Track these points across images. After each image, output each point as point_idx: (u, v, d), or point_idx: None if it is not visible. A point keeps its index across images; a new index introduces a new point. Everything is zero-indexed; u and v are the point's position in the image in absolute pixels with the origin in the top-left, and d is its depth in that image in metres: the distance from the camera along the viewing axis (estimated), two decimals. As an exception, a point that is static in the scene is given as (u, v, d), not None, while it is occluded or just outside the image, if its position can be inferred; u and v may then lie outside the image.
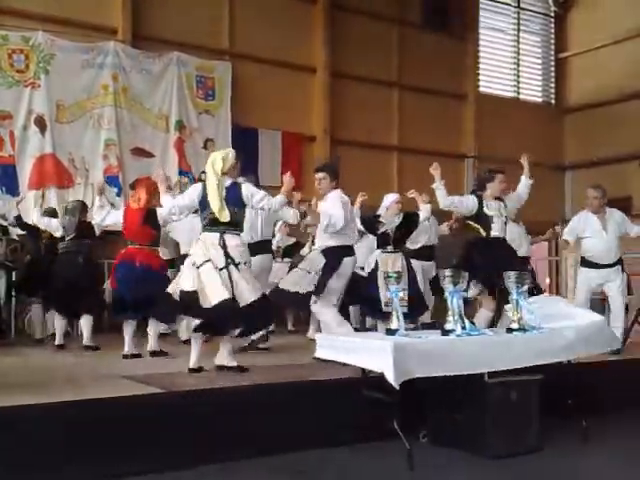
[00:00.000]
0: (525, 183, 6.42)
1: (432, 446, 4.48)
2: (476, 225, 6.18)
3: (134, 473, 3.76)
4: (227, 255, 4.95)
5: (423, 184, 6.60)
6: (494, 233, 6.10)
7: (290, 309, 8.98)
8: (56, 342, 6.91)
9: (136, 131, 10.23)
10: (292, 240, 9.42)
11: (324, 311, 5.90)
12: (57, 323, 7.03)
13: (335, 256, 5.86)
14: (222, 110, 10.92)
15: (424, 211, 7.20)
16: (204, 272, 4.89)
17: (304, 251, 8.32)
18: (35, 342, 7.48)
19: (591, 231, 6.88)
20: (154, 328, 6.16)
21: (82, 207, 7.23)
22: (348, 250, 5.98)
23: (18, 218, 7.69)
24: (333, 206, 5.80)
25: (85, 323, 6.87)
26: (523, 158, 6.49)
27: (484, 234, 6.12)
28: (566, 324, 4.69)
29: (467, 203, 6.19)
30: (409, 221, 7.11)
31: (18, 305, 8.09)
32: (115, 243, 7.35)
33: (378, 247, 7.14)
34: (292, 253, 9.15)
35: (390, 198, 7.18)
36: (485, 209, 6.12)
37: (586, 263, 6.88)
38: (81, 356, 6.39)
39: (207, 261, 4.92)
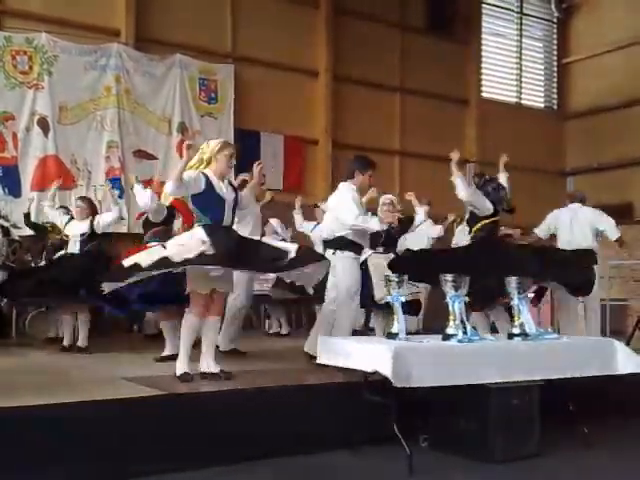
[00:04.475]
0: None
1: (432, 451, 4.47)
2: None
3: (135, 475, 3.75)
4: None
5: (424, 188, 6.60)
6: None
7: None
8: (64, 342, 6.84)
9: (138, 133, 10.25)
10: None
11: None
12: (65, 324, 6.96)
13: None
14: (224, 113, 10.94)
15: (420, 214, 7.13)
16: None
17: None
18: (36, 342, 7.48)
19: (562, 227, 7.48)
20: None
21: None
22: None
23: (26, 216, 7.81)
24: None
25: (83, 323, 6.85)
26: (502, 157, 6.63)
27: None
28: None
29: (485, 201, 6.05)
30: (404, 224, 7.06)
31: (19, 305, 8.08)
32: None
33: (370, 247, 7.04)
34: None
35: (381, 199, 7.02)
36: None
37: None
38: (80, 357, 6.38)
39: None
